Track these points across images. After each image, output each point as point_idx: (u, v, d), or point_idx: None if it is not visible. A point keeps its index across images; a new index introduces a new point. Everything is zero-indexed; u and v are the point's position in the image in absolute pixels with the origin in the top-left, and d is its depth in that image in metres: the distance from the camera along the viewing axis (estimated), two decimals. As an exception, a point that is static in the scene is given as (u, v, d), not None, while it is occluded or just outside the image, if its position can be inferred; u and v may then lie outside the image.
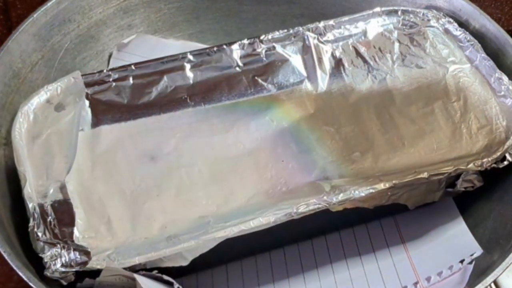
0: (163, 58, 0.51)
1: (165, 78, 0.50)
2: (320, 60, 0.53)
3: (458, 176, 0.47)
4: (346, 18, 0.54)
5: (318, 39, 0.53)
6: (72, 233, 0.41)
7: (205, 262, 0.44)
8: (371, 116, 0.50)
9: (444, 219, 0.50)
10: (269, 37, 0.53)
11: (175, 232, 0.42)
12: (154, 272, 0.41)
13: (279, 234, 0.46)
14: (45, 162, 0.45)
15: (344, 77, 0.52)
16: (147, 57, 0.52)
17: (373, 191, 0.43)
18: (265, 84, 0.52)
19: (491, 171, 0.46)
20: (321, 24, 0.54)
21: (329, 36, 0.54)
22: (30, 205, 0.41)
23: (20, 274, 0.38)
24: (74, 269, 0.39)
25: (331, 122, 0.49)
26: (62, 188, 0.43)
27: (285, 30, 0.53)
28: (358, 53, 0.53)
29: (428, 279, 0.46)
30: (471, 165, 0.45)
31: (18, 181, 0.43)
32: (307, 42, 0.53)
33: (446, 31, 0.54)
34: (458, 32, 0.53)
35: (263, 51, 0.52)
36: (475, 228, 0.48)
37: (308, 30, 0.53)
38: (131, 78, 0.50)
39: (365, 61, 0.53)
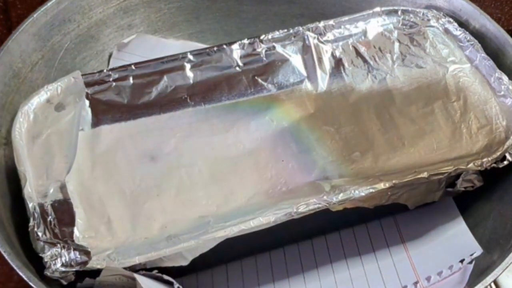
0: (163, 58, 0.51)
1: (165, 78, 0.50)
2: (320, 60, 0.53)
3: (458, 176, 0.47)
4: (346, 18, 0.54)
5: (318, 39, 0.53)
6: (72, 232, 0.41)
7: (205, 262, 0.44)
8: (371, 116, 0.50)
9: (444, 219, 0.50)
10: (269, 37, 0.53)
11: (175, 232, 0.42)
12: (154, 272, 0.41)
13: (279, 234, 0.46)
14: (45, 162, 0.45)
15: (344, 77, 0.52)
16: (147, 57, 0.52)
17: (373, 191, 0.43)
18: (265, 84, 0.52)
19: (491, 171, 0.46)
20: (321, 24, 0.54)
21: (329, 36, 0.54)
22: (30, 205, 0.41)
23: (20, 273, 0.38)
24: (74, 269, 0.39)
25: (331, 122, 0.49)
26: (62, 188, 0.43)
27: (285, 30, 0.53)
28: (358, 53, 0.53)
29: (428, 278, 0.46)
30: (471, 165, 0.45)
31: (18, 181, 0.43)
32: (307, 42, 0.53)
33: (446, 31, 0.54)
34: (458, 32, 0.53)
35: (263, 51, 0.52)
36: (475, 228, 0.48)
37: (308, 30, 0.53)
38: (131, 78, 0.50)
39: (365, 61, 0.53)
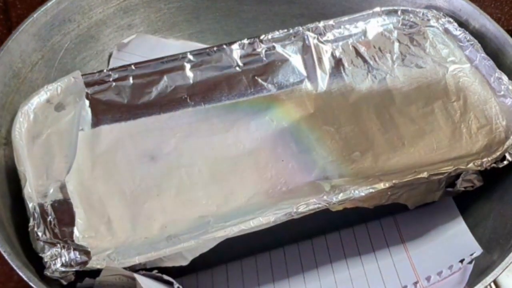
0: (163, 58, 0.51)
1: (165, 78, 0.50)
2: (320, 60, 0.53)
3: (458, 176, 0.47)
4: (346, 18, 0.54)
5: (318, 39, 0.53)
6: (72, 232, 0.41)
7: (205, 262, 0.44)
8: (371, 115, 0.50)
9: (444, 219, 0.50)
10: (269, 37, 0.53)
11: (175, 232, 0.42)
12: (154, 272, 0.41)
13: (279, 234, 0.46)
14: (45, 162, 0.45)
15: (344, 77, 0.52)
16: (147, 57, 0.52)
17: (373, 190, 0.43)
18: (265, 84, 0.52)
19: (491, 171, 0.46)
20: (321, 24, 0.54)
21: (329, 36, 0.54)
22: (30, 205, 0.41)
23: (20, 273, 0.38)
24: (74, 269, 0.39)
25: (331, 122, 0.49)
26: (62, 188, 0.43)
27: (285, 30, 0.53)
28: (358, 53, 0.53)
29: (428, 278, 0.46)
30: (471, 165, 0.45)
31: (18, 181, 0.43)
32: (307, 42, 0.53)
33: (446, 31, 0.54)
34: (458, 32, 0.53)
35: (263, 51, 0.52)
36: (475, 228, 0.48)
37: (308, 30, 0.53)
38: (131, 78, 0.50)
39: (365, 61, 0.53)
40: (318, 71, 0.52)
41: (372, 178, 0.45)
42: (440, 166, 0.45)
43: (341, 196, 0.43)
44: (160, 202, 0.44)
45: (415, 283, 0.46)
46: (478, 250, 0.47)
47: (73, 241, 0.40)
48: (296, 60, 0.53)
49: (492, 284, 0.51)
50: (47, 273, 0.39)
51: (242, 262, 0.48)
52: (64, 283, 0.39)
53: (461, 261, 0.46)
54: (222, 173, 0.46)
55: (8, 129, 0.46)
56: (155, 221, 0.43)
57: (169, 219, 0.43)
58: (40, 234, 0.40)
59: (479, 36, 0.53)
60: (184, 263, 0.42)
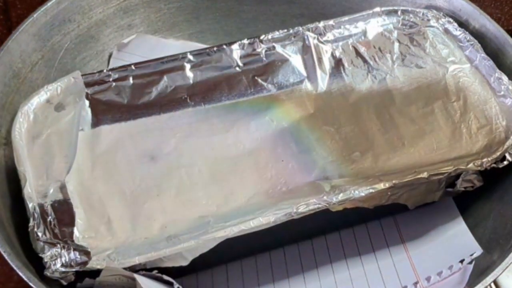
0: (163, 58, 0.51)
1: (165, 78, 0.50)
2: (320, 60, 0.53)
3: (458, 176, 0.47)
4: (346, 18, 0.54)
5: (318, 39, 0.53)
6: (72, 233, 0.41)
7: (205, 262, 0.44)
8: (371, 116, 0.50)
9: (444, 219, 0.50)
10: (269, 37, 0.53)
11: (175, 232, 0.42)
12: (154, 272, 0.41)
13: (279, 234, 0.46)
14: (45, 162, 0.45)
15: (344, 77, 0.52)
16: (147, 57, 0.52)
17: (373, 191, 0.43)
18: (265, 84, 0.52)
19: (491, 171, 0.46)
20: (321, 24, 0.54)
21: (329, 36, 0.54)
22: (30, 205, 0.41)
23: (20, 274, 0.38)
24: (74, 269, 0.39)
25: (331, 122, 0.49)
26: (62, 188, 0.43)
27: (285, 30, 0.53)
28: (358, 53, 0.53)
29: (428, 279, 0.46)
30: (471, 165, 0.45)
31: (18, 181, 0.43)
32: (307, 42, 0.53)
33: (446, 31, 0.54)
34: (458, 32, 0.53)
35: (263, 51, 0.52)
36: (475, 228, 0.48)
37: (308, 30, 0.53)
38: (131, 78, 0.50)
39: (365, 61, 0.53)
40: (318, 71, 0.52)
41: (372, 178, 0.45)
42: (440, 166, 0.45)
43: (341, 196, 0.43)
44: (160, 202, 0.44)
45: (415, 283, 0.46)
46: (478, 250, 0.47)
47: (73, 241, 0.40)
48: (296, 60, 0.53)
49: (492, 285, 0.51)
50: (47, 273, 0.39)
51: (242, 262, 0.48)
52: (64, 283, 0.39)
53: (461, 261, 0.46)
54: (222, 173, 0.46)
55: (8, 129, 0.46)
56: (155, 221, 0.43)
57: (169, 219, 0.43)
58: (40, 234, 0.40)
59: (479, 36, 0.53)
60: (184, 263, 0.42)
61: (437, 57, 0.53)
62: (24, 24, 0.50)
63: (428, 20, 0.55)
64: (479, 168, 0.45)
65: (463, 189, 0.48)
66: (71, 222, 0.42)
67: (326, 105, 0.51)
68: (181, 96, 0.50)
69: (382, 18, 0.55)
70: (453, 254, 0.47)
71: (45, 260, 0.39)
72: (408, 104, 0.50)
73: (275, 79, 0.52)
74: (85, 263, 0.39)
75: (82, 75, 0.49)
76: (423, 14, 0.55)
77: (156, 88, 0.50)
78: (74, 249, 0.39)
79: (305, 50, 0.53)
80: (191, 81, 0.51)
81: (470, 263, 0.46)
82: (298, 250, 0.49)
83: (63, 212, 0.42)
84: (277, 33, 0.53)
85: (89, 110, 0.48)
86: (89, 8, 0.55)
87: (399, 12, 0.55)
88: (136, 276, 0.40)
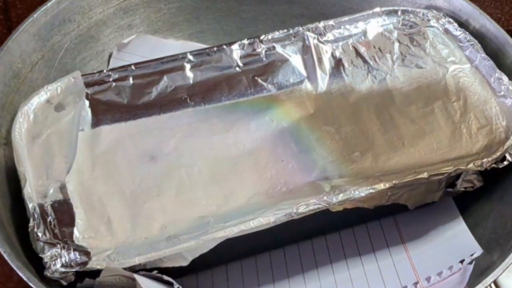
0: (163, 58, 0.51)
1: (165, 78, 0.50)
2: (320, 60, 0.53)
3: (458, 176, 0.47)
4: (346, 18, 0.54)
5: (318, 39, 0.53)
6: (72, 233, 0.41)
7: (205, 262, 0.44)
8: (371, 116, 0.50)
9: (444, 219, 0.50)
10: (269, 37, 0.53)
11: (175, 232, 0.42)
12: (154, 272, 0.41)
13: (279, 234, 0.46)
14: (45, 162, 0.45)
15: (344, 77, 0.52)
16: (147, 57, 0.52)
17: (373, 191, 0.43)
18: (265, 84, 0.52)
19: (491, 171, 0.46)
20: (321, 24, 0.54)
21: (329, 36, 0.54)
22: (30, 205, 0.41)
23: (20, 274, 0.38)
24: (74, 269, 0.39)
25: (331, 122, 0.49)
26: (62, 188, 0.43)
27: (285, 30, 0.53)
28: (358, 53, 0.53)
29: (428, 279, 0.46)
30: (471, 165, 0.45)
31: (18, 181, 0.43)
32: (307, 42, 0.53)
33: (446, 31, 0.54)
34: (458, 32, 0.53)
35: (263, 51, 0.52)
36: (475, 228, 0.48)
37: (308, 30, 0.53)
38: (131, 78, 0.50)
39: (365, 61, 0.53)
40: (318, 71, 0.52)
41: (372, 179, 0.45)
42: (440, 166, 0.45)
43: (341, 197, 0.43)
44: (160, 202, 0.44)
45: (415, 284, 0.46)
46: (478, 251, 0.47)
47: (73, 241, 0.40)
48: (296, 60, 0.53)
49: (492, 285, 0.51)
50: (47, 273, 0.39)
51: (242, 263, 0.48)
52: (64, 283, 0.39)
53: (461, 261, 0.46)
54: (222, 173, 0.46)
55: (8, 129, 0.46)
56: (155, 221, 0.43)
57: (169, 219, 0.43)
58: (40, 234, 0.40)
59: (479, 36, 0.53)
60: (184, 263, 0.42)
61: (437, 57, 0.53)
62: (24, 24, 0.50)
63: (428, 20, 0.55)
64: (479, 168, 0.45)
65: (463, 189, 0.48)
66: (71, 222, 0.42)
67: (326, 105, 0.51)
68: (181, 96, 0.50)
69: (382, 18, 0.55)
70: (453, 254, 0.47)
71: (45, 260, 0.39)
72: (408, 104, 0.50)
73: (275, 79, 0.52)
74: (85, 263, 0.39)
75: (82, 75, 0.49)
76: (423, 14, 0.55)
77: (156, 88, 0.50)
78: (74, 249, 0.39)
79: (305, 50, 0.53)
80: (191, 81, 0.51)
81: (470, 263, 0.46)
82: (298, 250, 0.49)
83: (63, 212, 0.42)
84: (277, 33, 0.53)
85: (89, 110, 0.48)
86: (89, 8, 0.55)
87: (399, 12, 0.55)
88: (136, 276, 0.40)
